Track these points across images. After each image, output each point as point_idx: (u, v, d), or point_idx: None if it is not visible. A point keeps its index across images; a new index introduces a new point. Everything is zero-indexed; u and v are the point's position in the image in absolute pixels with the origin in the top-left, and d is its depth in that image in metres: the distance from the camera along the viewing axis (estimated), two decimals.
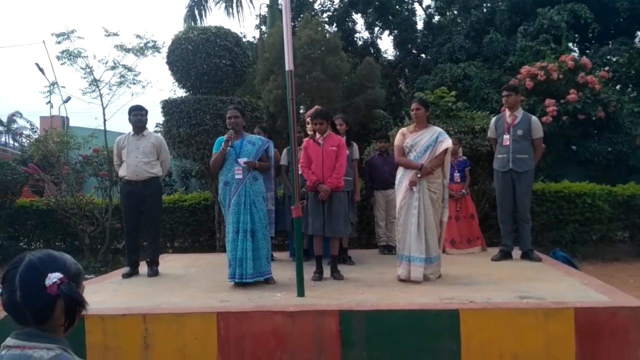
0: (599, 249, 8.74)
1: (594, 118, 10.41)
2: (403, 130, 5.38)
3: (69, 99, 11.86)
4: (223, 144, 5.06)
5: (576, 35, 16.08)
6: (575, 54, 15.01)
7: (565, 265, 5.70)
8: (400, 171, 5.23)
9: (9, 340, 1.33)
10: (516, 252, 6.16)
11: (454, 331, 3.85)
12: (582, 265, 7.43)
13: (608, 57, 14.21)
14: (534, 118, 6.25)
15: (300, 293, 4.49)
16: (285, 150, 6.58)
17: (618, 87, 15.81)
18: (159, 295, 4.76)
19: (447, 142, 5.09)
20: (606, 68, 13.86)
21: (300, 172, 5.46)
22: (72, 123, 15.06)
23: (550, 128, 9.97)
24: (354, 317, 3.94)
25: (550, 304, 3.93)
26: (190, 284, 5.28)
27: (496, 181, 6.29)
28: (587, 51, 15.25)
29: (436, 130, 5.22)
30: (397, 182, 5.24)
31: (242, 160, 5.04)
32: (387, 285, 4.87)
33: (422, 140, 5.10)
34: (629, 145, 11.33)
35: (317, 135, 5.38)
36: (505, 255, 6.11)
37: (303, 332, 3.97)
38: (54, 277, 1.30)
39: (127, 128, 6.06)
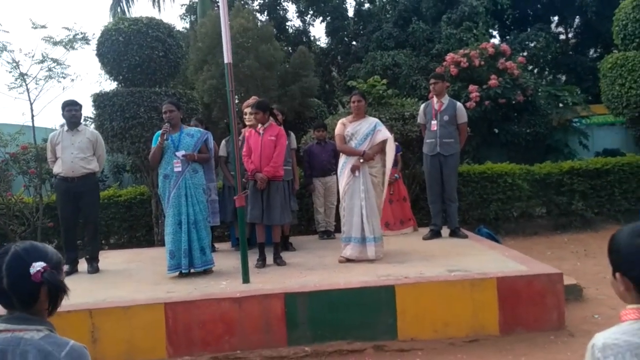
0: (520, 224, 9.40)
1: (513, 102, 11.09)
2: (343, 120, 5.66)
3: None
4: (159, 137, 5.13)
5: (496, 21, 16.97)
6: (496, 40, 15.87)
7: (489, 241, 6.18)
8: (342, 158, 5.51)
9: None
10: (445, 231, 6.60)
11: (390, 305, 4.17)
12: (504, 240, 8.01)
13: (526, 42, 15.12)
14: (459, 104, 6.67)
15: (246, 280, 4.66)
16: (224, 142, 6.66)
17: (536, 70, 16.89)
18: (103, 291, 4.79)
19: (386, 134, 5.43)
20: (524, 53, 14.77)
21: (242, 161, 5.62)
22: None
23: (474, 113, 10.56)
24: (298, 299, 4.18)
25: (475, 275, 4.33)
26: (133, 278, 5.32)
27: (425, 164, 6.68)
28: (507, 37, 16.13)
29: (373, 120, 5.56)
30: (339, 168, 5.52)
31: (180, 153, 5.12)
32: (328, 268, 5.14)
33: (362, 129, 5.42)
34: (546, 127, 12.18)
35: (259, 126, 5.53)
36: (435, 234, 6.52)
37: (250, 316, 4.16)
38: (37, 266, 1.43)
39: (56, 123, 5.96)
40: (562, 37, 18.71)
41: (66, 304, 4.24)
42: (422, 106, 6.92)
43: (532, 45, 14.81)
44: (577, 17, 17.25)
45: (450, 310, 4.20)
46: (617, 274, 1.41)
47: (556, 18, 18.08)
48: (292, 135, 6.75)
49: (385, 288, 4.22)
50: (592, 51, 17.87)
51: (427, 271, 4.61)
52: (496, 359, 3.95)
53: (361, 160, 5.33)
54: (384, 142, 5.42)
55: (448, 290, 4.22)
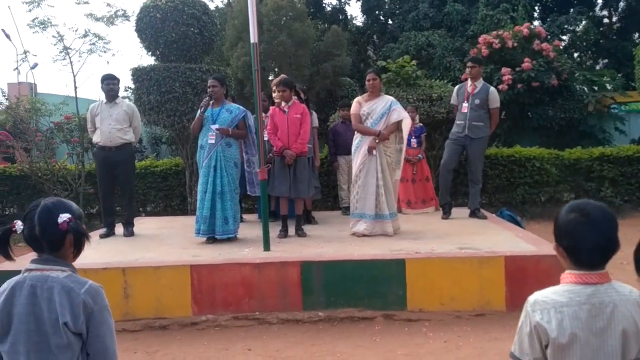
0: (547, 209, 9.38)
1: (547, 86, 10.94)
2: (358, 99, 5.79)
3: (35, 65, 11.82)
4: (199, 109, 5.45)
5: (537, 3, 16.57)
6: (538, 23, 15.54)
7: (507, 222, 6.29)
8: (357, 137, 5.67)
9: (30, 265, 1.74)
10: (465, 212, 6.73)
11: (400, 278, 4.40)
12: (529, 224, 8.06)
13: (565, 26, 14.78)
14: (492, 89, 6.63)
15: (266, 248, 4.95)
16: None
17: (576, 55, 16.49)
18: (136, 252, 5.17)
19: (402, 113, 5.56)
20: (564, 37, 14.45)
21: (266, 138, 5.87)
22: (40, 90, 14.97)
23: (506, 96, 10.49)
24: (313, 267, 4.45)
25: (484, 253, 4.50)
26: (164, 242, 5.70)
27: (448, 142, 6.72)
28: (548, 19, 15.78)
29: (389, 98, 5.69)
30: (354, 147, 5.69)
31: (214, 127, 5.42)
32: (345, 241, 5.39)
33: (377, 108, 5.56)
34: (581, 112, 12.00)
35: (283, 104, 5.77)
36: (450, 207, 6.66)
37: (268, 281, 4.46)
38: (64, 217, 1.71)
39: (96, 94, 6.33)
40: (607, 20, 18.13)
41: (102, 262, 4.64)
42: (456, 88, 6.94)
43: (572, 29, 14.45)
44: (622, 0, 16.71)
45: (458, 285, 4.40)
46: (555, 244, 1.62)
47: (600, 1, 17.52)
48: (314, 114, 6.97)
49: (396, 261, 4.45)
50: (637, 36, 17.29)
51: (439, 248, 4.80)
52: (499, 333, 4.13)
53: (377, 141, 5.48)
54: (400, 121, 5.56)
55: (456, 266, 4.41)
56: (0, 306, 1.68)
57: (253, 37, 4.84)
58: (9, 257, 1.78)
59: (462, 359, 3.76)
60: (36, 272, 1.72)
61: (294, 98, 5.77)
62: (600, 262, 1.57)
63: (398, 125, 5.58)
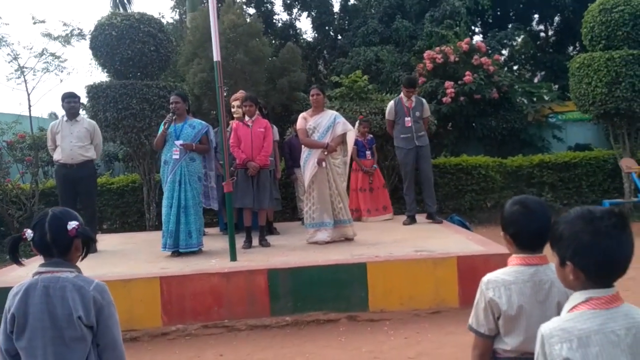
0: (493, 214, 9.93)
1: (489, 98, 11.59)
2: (303, 114, 6.07)
3: None
4: (163, 125, 5.59)
5: (478, 20, 17.45)
6: (479, 38, 16.36)
7: (457, 226, 6.71)
8: (305, 151, 5.93)
9: (40, 268, 1.91)
10: (420, 216, 7.12)
11: (362, 281, 4.69)
12: (477, 229, 8.53)
13: (505, 41, 15.65)
14: (424, 100, 7.37)
15: (233, 258, 5.14)
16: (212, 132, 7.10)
17: (515, 68, 17.46)
18: (103, 267, 5.22)
19: (346, 126, 5.88)
20: (504, 51, 15.28)
21: (229, 151, 6.07)
22: None
23: (449, 109, 11.06)
24: (279, 274, 4.68)
25: (438, 255, 4.86)
26: (129, 257, 5.78)
27: (401, 157, 7.14)
28: (488, 34, 16.65)
29: (332, 112, 6.04)
30: (303, 160, 5.94)
31: (178, 142, 5.58)
32: (308, 248, 5.65)
33: (323, 122, 5.86)
34: (521, 122, 12.76)
35: (246, 118, 6.00)
36: (413, 220, 7.05)
37: (237, 289, 4.66)
38: (72, 224, 1.90)
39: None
40: (543, 34, 19.27)
41: None
42: (392, 104, 7.27)
43: (510, 43, 15.33)
44: (558, 15, 17.80)
45: (415, 285, 4.73)
46: (502, 233, 1.93)
47: (537, 16, 18.61)
48: (275, 128, 7.22)
49: (358, 265, 4.74)
50: (571, 49, 18.45)
51: (397, 251, 5.13)
52: (455, 328, 4.46)
53: (325, 153, 5.75)
54: (344, 134, 5.86)
55: (413, 268, 4.75)
56: (16, 307, 1.86)
57: (216, 55, 5.06)
58: (18, 263, 1.96)
59: (422, 352, 4.07)
60: (47, 274, 1.90)
61: (257, 113, 6.01)
62: (539, 245, 1.88)
63: (343, 137, 5.89)
